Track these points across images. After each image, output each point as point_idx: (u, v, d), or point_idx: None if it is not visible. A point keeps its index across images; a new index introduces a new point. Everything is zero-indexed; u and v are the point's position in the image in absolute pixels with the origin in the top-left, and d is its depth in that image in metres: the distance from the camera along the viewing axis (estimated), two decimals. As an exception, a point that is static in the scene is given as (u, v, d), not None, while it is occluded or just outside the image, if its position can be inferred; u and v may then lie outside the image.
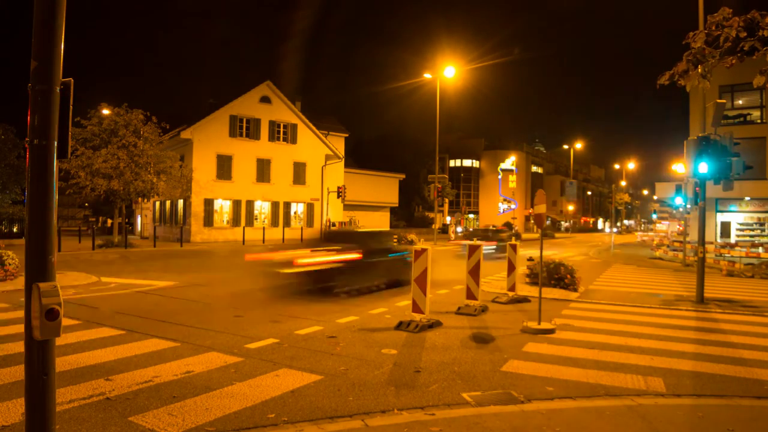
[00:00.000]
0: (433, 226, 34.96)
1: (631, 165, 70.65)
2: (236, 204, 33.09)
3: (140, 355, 5.89)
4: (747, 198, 24.00)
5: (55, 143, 2.73)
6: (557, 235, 59.60)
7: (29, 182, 2.68)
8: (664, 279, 15.75)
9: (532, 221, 21.53)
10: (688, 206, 20.85)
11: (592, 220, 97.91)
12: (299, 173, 36.52)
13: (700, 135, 10.71)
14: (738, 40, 5.45)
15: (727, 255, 20.40)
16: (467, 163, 76.99)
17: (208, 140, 31.70)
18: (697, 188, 11.43)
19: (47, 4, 2.71)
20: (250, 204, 33.72)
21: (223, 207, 32.67)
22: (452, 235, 40.03)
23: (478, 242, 9.13)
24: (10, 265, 11.38)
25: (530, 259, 12.87)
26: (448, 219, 53.01)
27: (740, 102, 24.94)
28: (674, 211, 27.80)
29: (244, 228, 31.66)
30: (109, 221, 47.61)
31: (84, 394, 4.55)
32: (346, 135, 45.19)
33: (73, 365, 5.40)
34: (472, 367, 5.69)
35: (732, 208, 24.74)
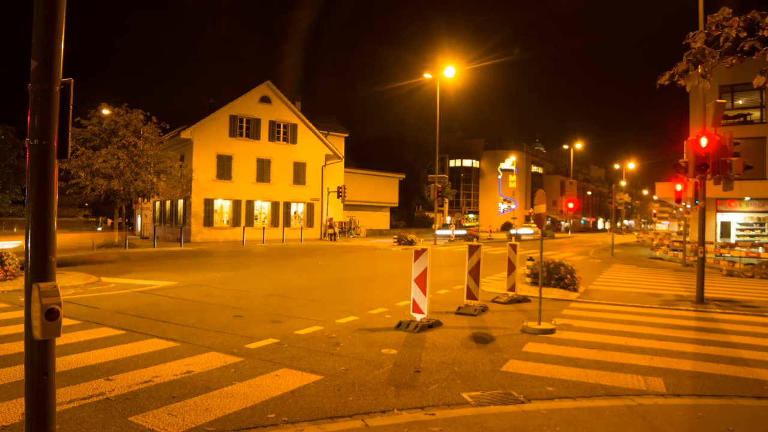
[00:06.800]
0: (434, 226, 34.96)
1: (631, 165, 70.59)
2: (236, 204, 33.08)
3: (140, 355, 5.89)
4: (747, 198, 24.00)
5: (55, 143, 2.73)
6: (557, 235, 59.56)
7: (29, 182, 2.68)
8: (664, 279, 15.74)
9: (532, 221, 21.52)
10: (689, 206, 20.84)
11: (592, 220, 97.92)
12: (299, 173, 36.51)
13: (700, 135, 10.71)
14: (738, 40, 5.45)
15: (727, 255, 20.38)
16: (467, 163, 77.05)
17: (208, 140, 31.70)
18: (697, 188, 11.43)
19: (47, 4, 2.71)
20: (250, 204, 33.71)
21: (223, 207, 32.66)
22: (452, 236, 40.03)
23: (478, 242, 9.14)
24: (10, 265, 11.38)
25: (530, 259, 12.88)
26: (448, 219, 52.98)
27: (740, 102, 24.92)
28: (674, 211, 27.82)
29: (244, 228, 31.64)
30: (109, 221, 47.59)
31: (84, 394, 4.55)
32: (346, 135, 45.17)
33: (73, 365, 5.40)
34: (472, 367, 5.69)
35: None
